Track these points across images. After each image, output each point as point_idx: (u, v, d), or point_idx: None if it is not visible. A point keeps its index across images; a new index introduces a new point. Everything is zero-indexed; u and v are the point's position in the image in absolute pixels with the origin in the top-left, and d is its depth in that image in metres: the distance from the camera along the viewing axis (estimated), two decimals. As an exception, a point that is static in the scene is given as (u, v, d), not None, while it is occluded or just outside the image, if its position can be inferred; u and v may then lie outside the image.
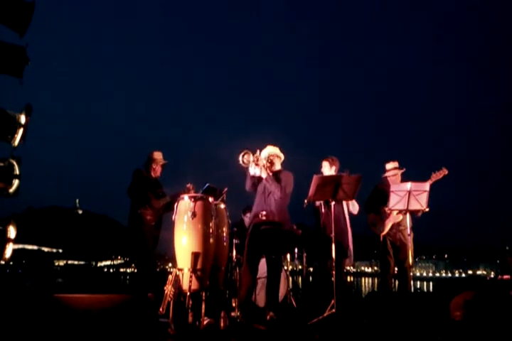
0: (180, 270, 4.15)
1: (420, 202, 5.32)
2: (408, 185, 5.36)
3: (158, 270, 6.05)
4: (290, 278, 6.18)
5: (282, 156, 5.34)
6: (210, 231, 4.27)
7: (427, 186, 5.38)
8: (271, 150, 5.31)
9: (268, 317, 4.75)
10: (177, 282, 4.12)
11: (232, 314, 4.82)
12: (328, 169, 5.78)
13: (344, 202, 5.63)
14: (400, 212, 5.65)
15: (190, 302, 4.05)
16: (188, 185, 5.67)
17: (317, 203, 5.69)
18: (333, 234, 5.06)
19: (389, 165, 6.12)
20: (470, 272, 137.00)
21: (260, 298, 5.94)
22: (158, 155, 5.90)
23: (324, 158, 5.87)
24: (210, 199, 4.45)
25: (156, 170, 5.88)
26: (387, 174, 6.08)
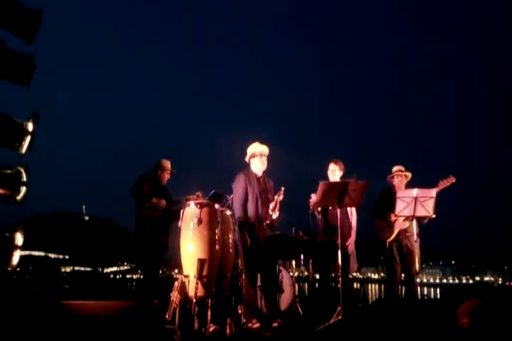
0: (187, 276, 4.14)
1: (427, 209, 5.31)
2: (415, 192, 5.36)
3: (161, 276, 6.04)
4: (296, 285, 6.16)
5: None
6: (216, 237, 4.27)
7: (433, 192, 5.37)
8: (265, 149, 5.38)
9: (276, 324, 4.74)
10: (183, 288, 4.12)
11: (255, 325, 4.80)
12: (337, 172, 5.77)
13: (349, 209, 5.63)
14: (406, 218, 5.64)
15: (196, 308, 4.05)
16: (198, 193, 5.68)
17: (318, 209, 5.69)
18: (339, 240, 5.06)
19: (394, 168, 6.15)
20: (477, 278, 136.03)
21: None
22: (165, 163, 5.96)
23: (334, 161, 5.84)
24: (216, 205, 4.45)
25: (163, 177, 5.92)
26: (390, 176, 6.12)
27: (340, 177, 5.81)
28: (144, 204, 5.58)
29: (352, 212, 5.75)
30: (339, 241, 5.08)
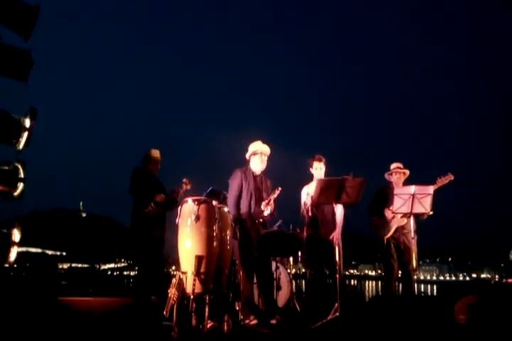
0: (184, 273, 4.15)
1: (424, 206, 5.32)
2: (412, 188, 5.37)
3: (165, 272, 6.03)
4: (293, 282, 6.17)
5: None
6: (214, 234, 4.27)
7: (430, 189, 5.37)
8: (267, 149, 5.40)
9: (274, 321, 4.75)
10: (181, 285, 4.12)
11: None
12: (322, 170, 5.72)
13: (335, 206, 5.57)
14: (404, 215, 5.65)
15: (194, 305, 4.05)
16: (184, 180, 5.68)
17: (305, 205, 5.66)
18: (334, 237, 5.08)
19: (392, 165, 6.16)
20: (474, 275, 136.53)
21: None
22: (155, 153, 5.91)
23: (317, 158, 5.76)
24: (214, 202, 4.45)
25: (154, 168, 5.89)
26: (388, 173, 6.13)
27: (324, 174, 5.78)
28: (146, 205, 5.53)
29: (337, 206, 5.69)
30: (336, 238, 5.10)
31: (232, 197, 5.19)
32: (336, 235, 5.49)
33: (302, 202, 5.73)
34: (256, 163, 5.33)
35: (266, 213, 5.11)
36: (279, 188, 5.14)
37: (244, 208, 5.15)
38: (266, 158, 5.35)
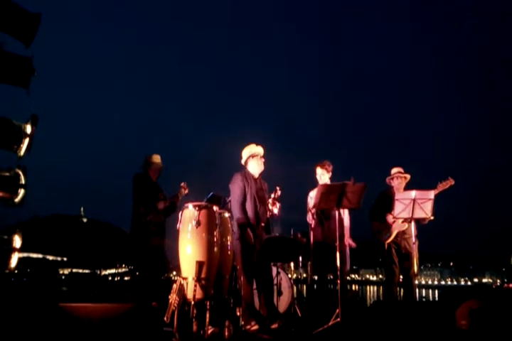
0: (185, 279, 4.14)
1: (425, 211, 5.32)
2: (413, 193, 5.38)
3: (165, 277, 5.98)
4: (294, 287, 6.16)
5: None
6: (215, 240, 4.26)
7: (431, 194, 5.39)
8: (260, 150, 5.42)
9: (276, 326, 4.74)
10: (181, 291, 4.11)
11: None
12: (325, 176, 5.75)
13: (341, 210, 5.59)
14: (404, 220, 5.65)
15: (195, 311, 4.04)
16: (182, 184, 5.67)
17: (311, 210, 5.68)
18: (337, 242, 5.07)
19: (393, 170, 6.16)
20: (476, 280, 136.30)
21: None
22: (156, 159, 5.81)
23: (320, 165, 5.82)
24: (215, 207, 4.45)
25: (154, 174, 5.79)
26: (389, 177, 6.13)
27: (330, 178, 5.81)
28: (149, 213, 5.49)
29: (344, 211, 5.72)
30: (337, 243, 5.10)
31: (236, 201, 5.13)
32: (347, 241, 5.55)
33: (308, 208, 5.75)
34: (255, 166, 5.32)
35: (276, 211, 5.15)
36: (278, 188, 5.19)
37: (249, 211, 5.12)
38: (263, 160, 5.35)
